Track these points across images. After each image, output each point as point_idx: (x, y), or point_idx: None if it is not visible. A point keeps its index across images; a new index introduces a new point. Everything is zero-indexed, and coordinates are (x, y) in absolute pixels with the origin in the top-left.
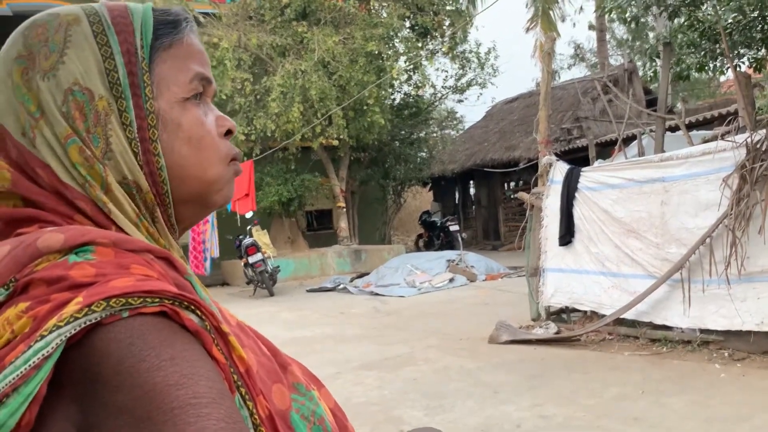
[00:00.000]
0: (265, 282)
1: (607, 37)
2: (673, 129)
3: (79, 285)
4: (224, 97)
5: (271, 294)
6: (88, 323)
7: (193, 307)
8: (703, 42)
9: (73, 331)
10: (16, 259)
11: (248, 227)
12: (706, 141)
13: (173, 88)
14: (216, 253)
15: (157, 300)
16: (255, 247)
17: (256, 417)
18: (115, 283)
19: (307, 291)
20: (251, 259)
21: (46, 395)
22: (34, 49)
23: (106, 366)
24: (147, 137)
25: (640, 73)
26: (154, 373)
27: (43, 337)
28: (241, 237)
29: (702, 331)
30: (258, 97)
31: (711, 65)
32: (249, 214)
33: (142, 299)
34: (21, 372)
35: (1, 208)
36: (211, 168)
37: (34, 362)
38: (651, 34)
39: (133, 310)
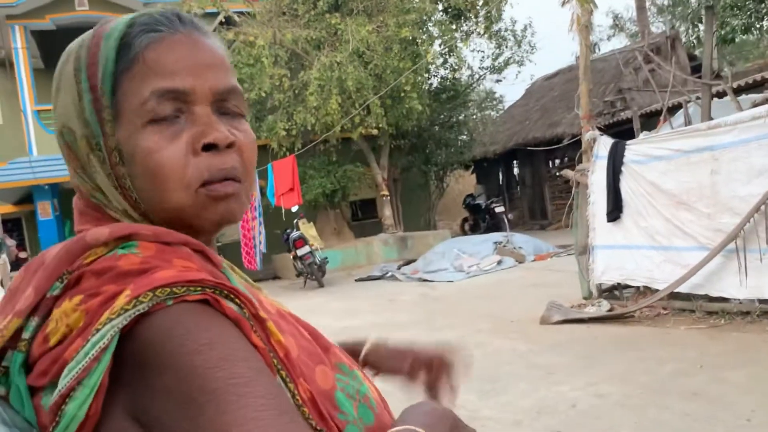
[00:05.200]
0: (314, 273)
1: (647, 4)
2: (721, 95)
3: (126, 273)
4: (263, 94)
5: (321, 285)
6: (137, 314)
7: (232, 296)
8: (748, 2)
9: (124, 322)
10: (69, 252)
11: (294, 221)
12: (756, 105)
13: (129, 116)
14: (264, 248)
15: (199, 289)
16: (302, 240)
17: (298, 398)
18: (159, 274)
19: (356, 280)
20: (299, 252)
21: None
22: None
23: (149, 351)
24: (117, 173)
25: (683, 40)
26: (194, 357)
27: (98, 330)
28: (288, 231)
29: (761, 301)
30: (296, 91)
31: (758, 26)
32: (294, 208)
33: (185, 288)
34: (83, 365)
35: None
36: (171, 199)
37: (93, 354)
38: None
39: (177, 298)
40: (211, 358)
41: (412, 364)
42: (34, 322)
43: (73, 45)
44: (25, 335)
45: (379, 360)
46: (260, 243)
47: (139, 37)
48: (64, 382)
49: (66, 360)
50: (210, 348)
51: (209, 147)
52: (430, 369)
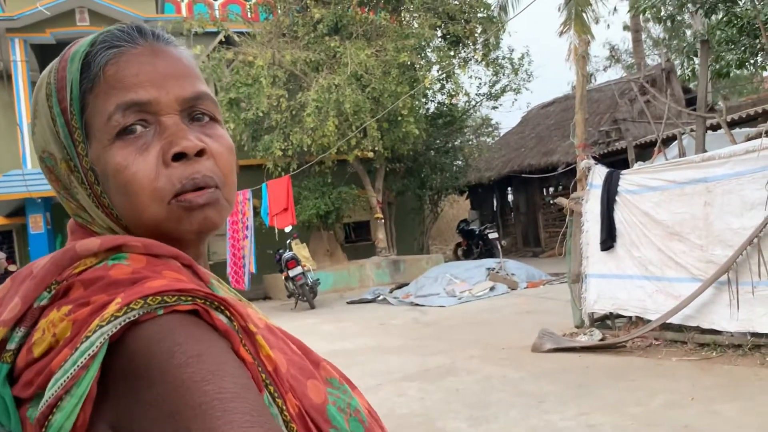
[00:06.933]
0: (305, 295)
1: (643, 36)
2: (715, 128)
3: (116, 283)
4: (261, 114)
5: (312, 306)
6: (127, 321)
7: (222, 307)
8: (743, 38)
9: (114, 330)
10: (57, 262)
11: (288, 241)
12: (749, 138)
13: (98, 134)
14: (254, 269)
15: (190, 299)
16: (295, 261)
17: (286, 414)
18: (151, 283)
19: (347, 303)
20: (291, 273)
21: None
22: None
23: (138, 361)
24: (95, 192)
25: (678, 72)
26: (183, 370)
27: (87, 338)
28: (281, 251)
29: (752, 334)
30: (293, 112)
31: (752, 61)
32: (288, 228)
33: (176, 297)
34: (70, 374)
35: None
36: (144, 212)
37: (81, 363)
38: (688, 32)
39: (168, 307)
40: (200, 371)
41: None
42: (20, 332)
43: (45, 71)
44: (10, 346)
45: None
46: (249, 263)
47: (99, 54)
48: (50, 392)
49: (52, 370)
50: (199, 361)
51: (179, 156)
52: None
